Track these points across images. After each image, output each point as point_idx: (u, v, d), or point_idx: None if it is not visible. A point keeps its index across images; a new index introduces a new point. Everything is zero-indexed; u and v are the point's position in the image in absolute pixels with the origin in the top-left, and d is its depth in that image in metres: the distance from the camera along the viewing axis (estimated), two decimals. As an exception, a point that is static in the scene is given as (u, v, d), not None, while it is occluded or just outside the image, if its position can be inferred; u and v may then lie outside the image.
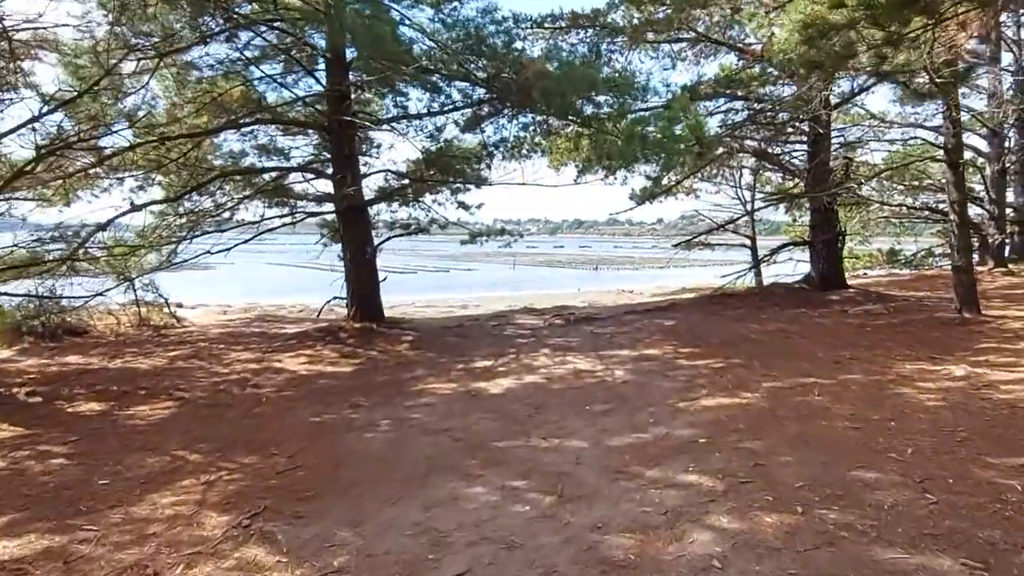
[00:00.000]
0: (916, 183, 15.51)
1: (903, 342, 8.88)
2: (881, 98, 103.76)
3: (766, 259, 14.00)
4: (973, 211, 18.17)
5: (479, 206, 14.43)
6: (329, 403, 7.07)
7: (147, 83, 10.73)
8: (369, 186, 13.20)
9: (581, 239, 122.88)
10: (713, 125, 12.32)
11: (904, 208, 16.23)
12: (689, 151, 7.86)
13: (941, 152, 11.18)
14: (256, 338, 10.86)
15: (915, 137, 13.56)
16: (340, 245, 11.22)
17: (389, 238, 12.28)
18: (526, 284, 49.27)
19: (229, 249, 11.73)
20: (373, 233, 12.97)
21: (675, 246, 15.29)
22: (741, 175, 16.03)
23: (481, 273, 55.80)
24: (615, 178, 17.54)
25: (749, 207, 15.84)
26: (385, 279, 11.83)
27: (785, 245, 14.21)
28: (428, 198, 14.14)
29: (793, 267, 15.92)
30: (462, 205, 14.23)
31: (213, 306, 16.57)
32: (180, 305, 14.66)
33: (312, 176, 11.76)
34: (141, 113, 11.41)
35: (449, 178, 13.24)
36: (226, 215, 12.23)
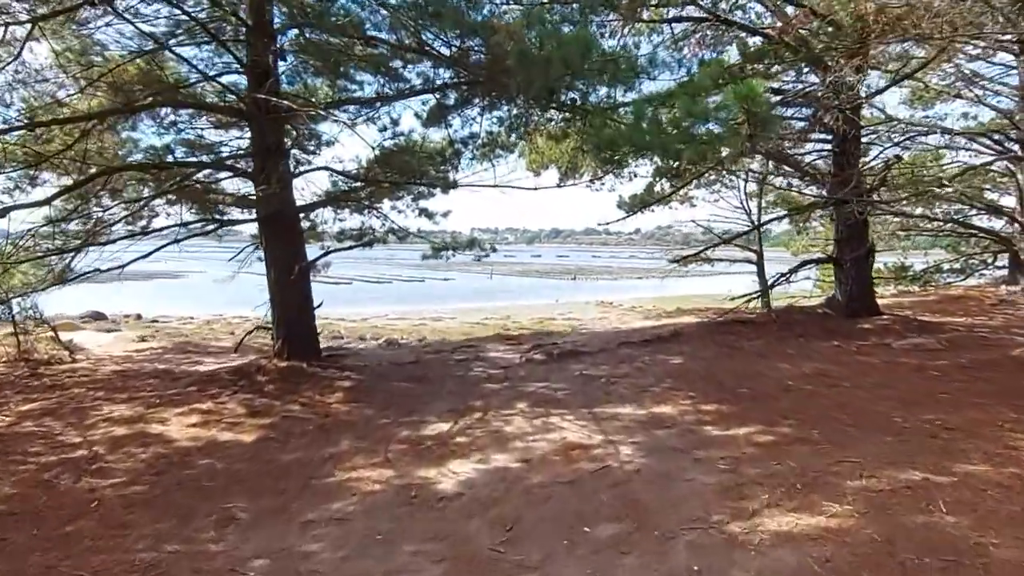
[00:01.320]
0: (966, 192, 13.21)
1: (995, 396, 6.53)
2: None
3: (786, 278, 11.60)
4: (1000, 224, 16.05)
5: (445, 214, 11.95)
6: (189, 514, 4.51)
7: (19, 54, 8.21)
8: (310, 188, 10.71)
9: (559, 249, 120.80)
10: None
11: (948, 222, 13.90)
12: (733, 133, 5.45)
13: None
14: (154, 380, 8.25)
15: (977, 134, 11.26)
16: (264, 261, 8.64)
17: (328, 252, 9.71)
18: (503, 294, 46.84)
19: (142, 257, 9.02)
20: (320, 246, 10.44)
21: (674, 262, 12.88)
22: (747, 181, 13.67)
23: (458, 282, 53.27)
24: (602, 183, 15.17)
25: (755, 217, 13.50)
26: (320, 304, 9.26)
27: (807, 263, 11.86)
28: (387, 204, 11.68)
29: (797, 286, 13.68)
30: (425, 213, 11.74)
31: (131, 333, 13.90)
32: (102, 317, 12.00)
33: (230, 174, 9.15)
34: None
35: (409, 180, 10.76)
36: (141, 221, 9.62)
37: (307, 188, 10.98)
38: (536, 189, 12.50)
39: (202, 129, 10.20)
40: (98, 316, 31.85)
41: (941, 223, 13.34)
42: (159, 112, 9.67)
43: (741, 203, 13.93)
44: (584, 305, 40.67)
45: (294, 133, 9.19)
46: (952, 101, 15.40)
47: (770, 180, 13.66)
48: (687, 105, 5.40)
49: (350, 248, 10.06)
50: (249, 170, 8.66)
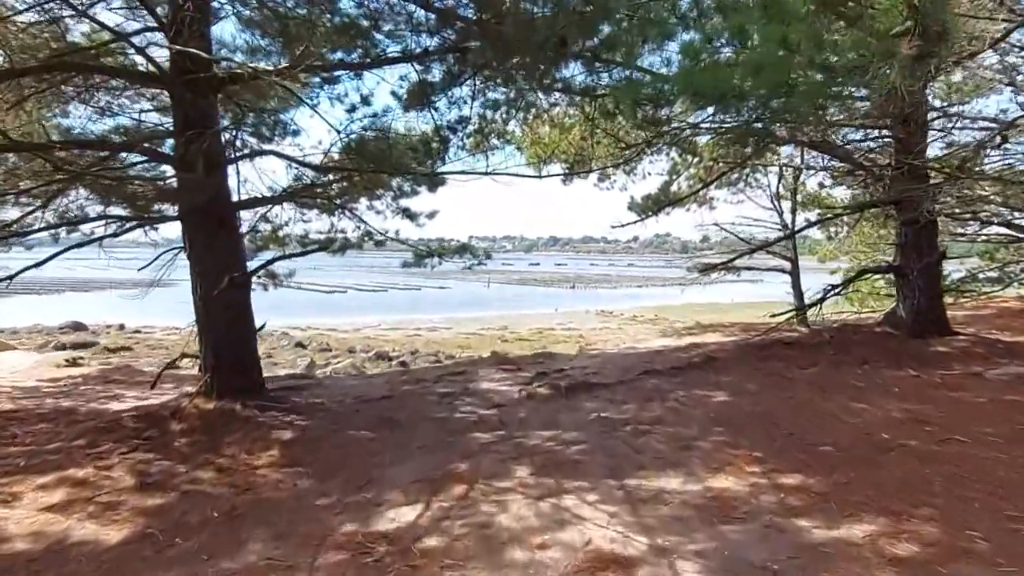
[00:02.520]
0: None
1: None
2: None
3: (840, 290, 9.46)
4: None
5: (431, 215, 9.87)
6: None
7: None
8: (265, 181, 8.71)
9: (557, 257, 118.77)
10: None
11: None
12: (885, 55, 3.37)
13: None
14: (44, 425, 6.16)
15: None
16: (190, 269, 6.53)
17: (275, 260, 7.62)
18: (501, 303, 44.72)
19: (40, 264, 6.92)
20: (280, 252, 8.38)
21: (701, 271, 10.83)
22: (781, 178, 11.60)
23: (454, 291, 51.22)
24: (613, 180, 13.15)
25: (787, 219, 11.42)
26: (263, 326, 7.15)
27: (864, 273, 9.79)
28: (363, 203, 9.66)
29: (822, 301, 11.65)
30: (406, 214, 9.68)
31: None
32: (82, 328, 9.89)
33: (145, 159, 7.05)
34: None
35: (385, 171, 8.73)
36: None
37: (262, 181, 8.88)
38: (540, 177, 10.46)
39: (145, 111, 8.18)
40: (78, 327, 29.81)
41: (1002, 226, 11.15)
42: (94, 95, 7.69)
43: (772, 202, 11.94)
44: (584, 314, 38.65)
45: (238, 111, 7.14)
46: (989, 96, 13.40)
47: (808, 175, 11.58)
48: (776, 35, 3.37)
49: (304, 254, 7.97)
50: (171, 153, 6.58)
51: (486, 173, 7.76)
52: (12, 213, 7.67)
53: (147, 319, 29.07)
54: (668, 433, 5.61)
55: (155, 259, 6.58)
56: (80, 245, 6.74)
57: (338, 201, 9.29)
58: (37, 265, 6.54)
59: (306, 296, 46.17)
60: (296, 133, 8.02)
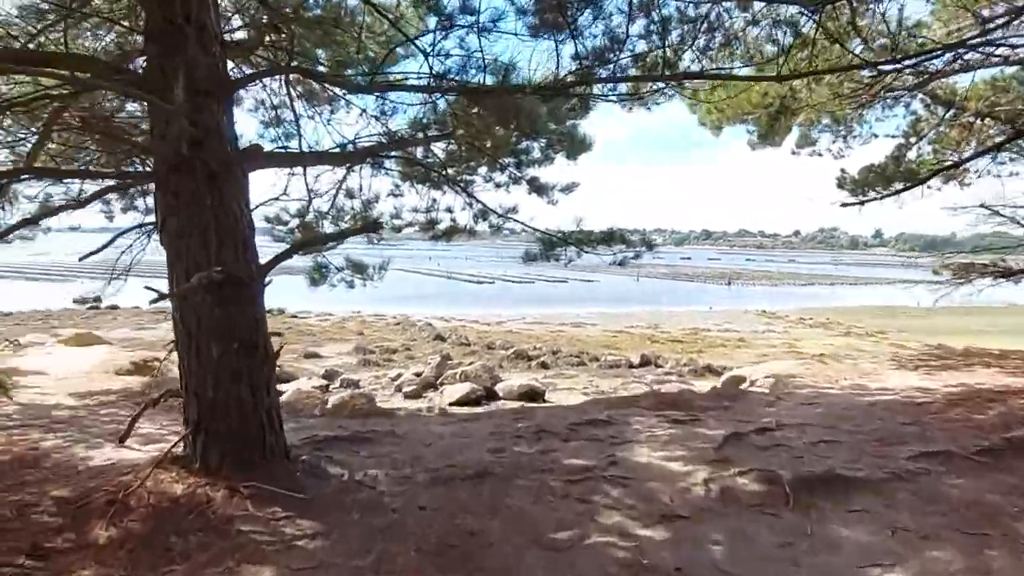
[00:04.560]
0: None
1: None
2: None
3: None
4: None
5: (567, 188, 6.82)
6: None
7: None
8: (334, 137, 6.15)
9: (709, 251, 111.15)
10: None
11: None
12: None
13: None
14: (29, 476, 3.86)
15: None
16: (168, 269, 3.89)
17: (297, 250, 4.75)
18: (650, 299, 40.60)
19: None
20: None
21: (963, 275, 6.91)
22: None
23: (602, 285, 47.65)
24: (816, 143, 9.31)
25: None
26: (281, 348, 4.30)
27: None
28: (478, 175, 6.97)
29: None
30: (533, 186, 6.71)
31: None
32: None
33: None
34: None
35: (512, 130, 5.90)
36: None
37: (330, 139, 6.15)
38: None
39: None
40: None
41: None
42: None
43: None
44: (743, 314, 33.74)
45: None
46: None
47: None
48: None
49: (333, 240, 5.15)
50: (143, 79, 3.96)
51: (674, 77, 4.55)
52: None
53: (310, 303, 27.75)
54: None
55: (114, 239, 4.03)
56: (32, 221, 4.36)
57: (441, 170, 6.53)
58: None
59: (454, 286, 45.03)
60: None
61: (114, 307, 23.24)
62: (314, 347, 18.74)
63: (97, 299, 6.29)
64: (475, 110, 5.77)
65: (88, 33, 4.62)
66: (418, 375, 14.87)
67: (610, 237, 6.19)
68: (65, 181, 4.86)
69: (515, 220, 6.47)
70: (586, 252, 6.11)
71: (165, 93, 3.52)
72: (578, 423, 5.46)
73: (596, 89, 5.91)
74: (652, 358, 17.90)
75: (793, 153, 9.11)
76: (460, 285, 45.62)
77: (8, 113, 3.77)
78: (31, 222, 3.90)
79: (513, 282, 48.73)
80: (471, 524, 3.46)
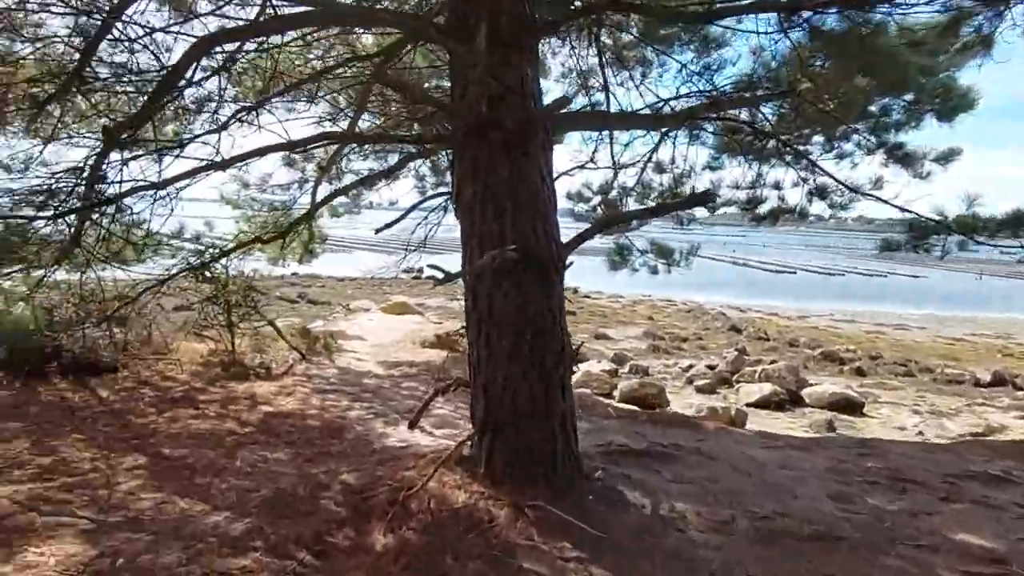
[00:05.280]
0: None
1: None
2: None
3: None
4: None
5: (944, 157, 5.14)
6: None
7: None
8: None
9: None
10: None
11: None
12: None
13: None
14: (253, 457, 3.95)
15: None
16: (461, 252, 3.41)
17: (600, 229, 3.87)
18: (997, 303, 32.58)
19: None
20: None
21: None
22: None
23: (931, 281, 39.94)
24: None
25: None
26: (580, 345, 3.53)
27: None
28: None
29: None
30: (897, 156, 5.18)
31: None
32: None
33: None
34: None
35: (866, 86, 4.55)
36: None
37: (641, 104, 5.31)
38: None
39: None
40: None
41: None
42: None
43: None
44: None
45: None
46: None
47: None
48: None
49: (634, 218, 4.17)
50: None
51: None
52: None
53: (598, 283, 27.60)
54: None
55: (407, 212, 3.69)
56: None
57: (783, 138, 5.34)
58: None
59: (749, 274, 41.64)
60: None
61: (433, 277, 25.78)
62: (604, 328, 18.44)
63: (420, 270, 6.47)
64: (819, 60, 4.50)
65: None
66: (711, 368, 13.66)
67: (1018, 222, 4.40)
68: (380, 156, 4.80)
69: (869, 196, 4.99)
70: (979, 243, 4.42)
71: (467, 50, 3.02)
72: (957, 475, 3.93)
73: None
74: (1008, 376, 14.06)
75: None
76: (755, 274, 42.01)
77: (322, 81, 3.69)
78: (343, 192, 3.79)
79: (818, 272, 43.46)
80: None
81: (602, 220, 4.23)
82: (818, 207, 5.76)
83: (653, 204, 6.21)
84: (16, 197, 3.95)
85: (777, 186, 5.92)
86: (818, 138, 5.80)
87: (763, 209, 5.98)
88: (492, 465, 3.22)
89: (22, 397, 4.69)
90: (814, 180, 5.72)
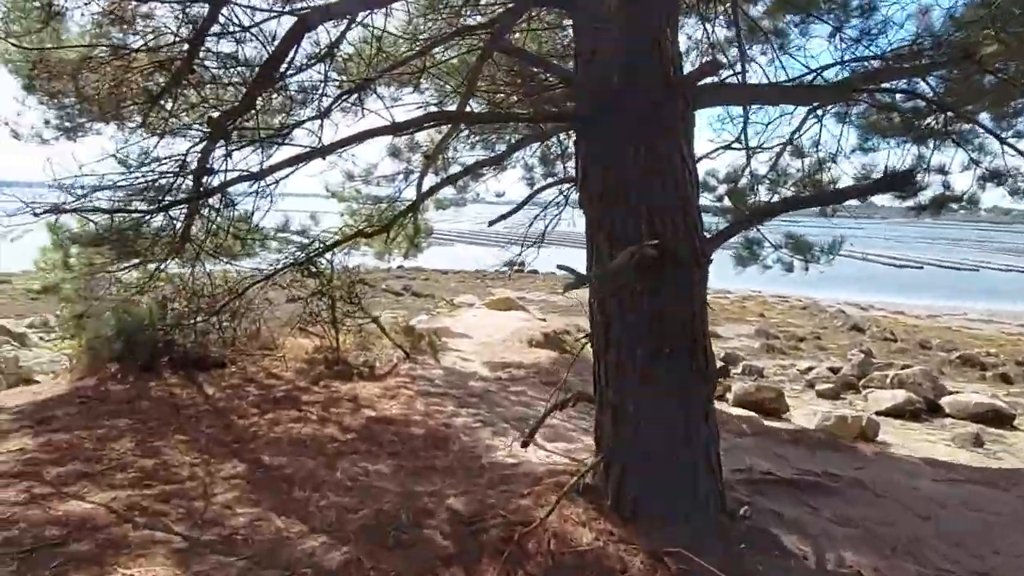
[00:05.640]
0: None
1: None
2: None
3: None
4: None
5: None
6: None
7: None
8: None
9: None
10: None
11: None
12: None
13: None
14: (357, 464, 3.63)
15: None
16: (586, 241, 2.93)
17: (755, 220, 3.26)
18: None
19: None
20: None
21: None
22: None
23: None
24: None
25: None
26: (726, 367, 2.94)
27: None
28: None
29: None
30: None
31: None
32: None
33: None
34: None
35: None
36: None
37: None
38: None
39: None
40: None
41: None
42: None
43: None
44: None
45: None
46: None
47: None
48: None
49: (786, 210, 3.42)
50: None
51: None
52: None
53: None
54: None
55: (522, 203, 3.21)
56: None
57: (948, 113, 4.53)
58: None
59: (869, 268, 38.49)
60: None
61: (534, 271, 25.40)
62: (712, 326, 17.39)
63: (522, 263, 6.13)
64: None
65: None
66: (834, 371, 12.50)
67: None
68: (487, 145, 4.40)
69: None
70: None
71: (595, 7, 2.53)
72: None
73: None
74: None
75: None
76: (876, 268, 38.75)
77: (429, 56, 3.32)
78: (450, 181, 3.42)
79: (947, 268, 39.63)
80: None
81: (761, 209, 3.63)
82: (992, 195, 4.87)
83: (790, 194, 5.48)
84: (129, 191, 3.86)
85: (942, 170, 5.06)
86: (983, 115, 4.94)
87: (924, 197, 5.13)
88: (621, 499, 2.73)
89: (134, 392, 4.66)
90: (989, 163, 4.89)
